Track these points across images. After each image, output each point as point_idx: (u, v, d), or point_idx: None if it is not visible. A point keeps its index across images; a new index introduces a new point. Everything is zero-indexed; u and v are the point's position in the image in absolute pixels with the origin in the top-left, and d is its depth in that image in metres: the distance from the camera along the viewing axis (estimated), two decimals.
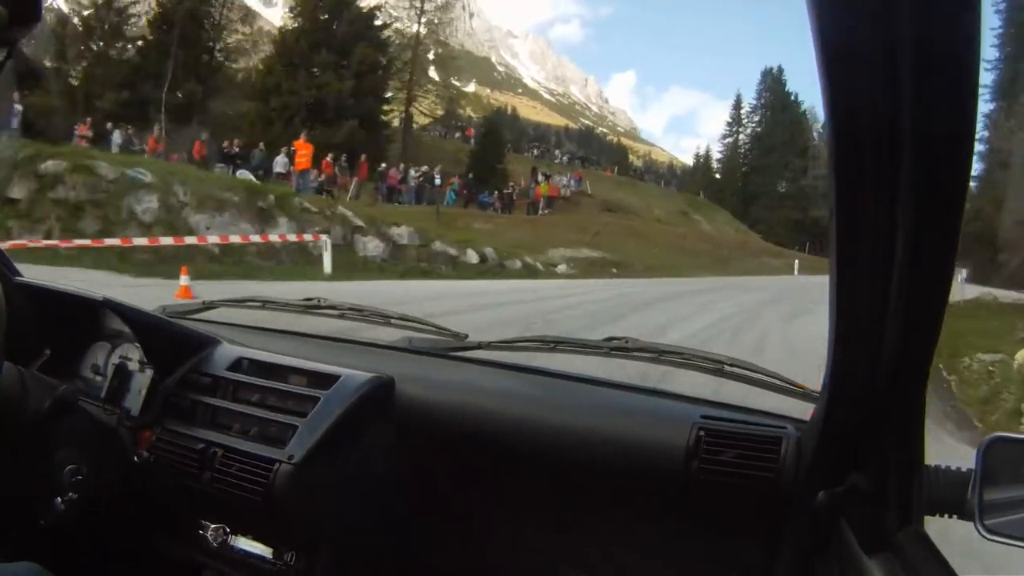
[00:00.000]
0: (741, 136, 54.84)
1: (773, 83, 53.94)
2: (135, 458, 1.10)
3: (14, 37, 0.71)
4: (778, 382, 1.02)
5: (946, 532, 0.70)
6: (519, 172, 28.29)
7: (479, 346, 1.23)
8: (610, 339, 1.16)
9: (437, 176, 21.91)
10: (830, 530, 0.69)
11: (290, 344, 1.32)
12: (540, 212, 24.35)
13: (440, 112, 33.35)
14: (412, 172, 21.19)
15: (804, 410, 0.88)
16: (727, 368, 1.05)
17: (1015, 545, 0.63)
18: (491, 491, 1.10)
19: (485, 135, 31.81)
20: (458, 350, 1.24)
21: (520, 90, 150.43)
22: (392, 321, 1.36)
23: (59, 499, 0.99)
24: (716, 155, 57.27)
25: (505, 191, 24.63)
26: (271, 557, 1.06)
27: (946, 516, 0.69)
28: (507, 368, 1.17)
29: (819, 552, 0.73)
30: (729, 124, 55.76)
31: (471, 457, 1.08)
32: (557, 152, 43.55)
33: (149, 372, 1.17)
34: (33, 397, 0.97)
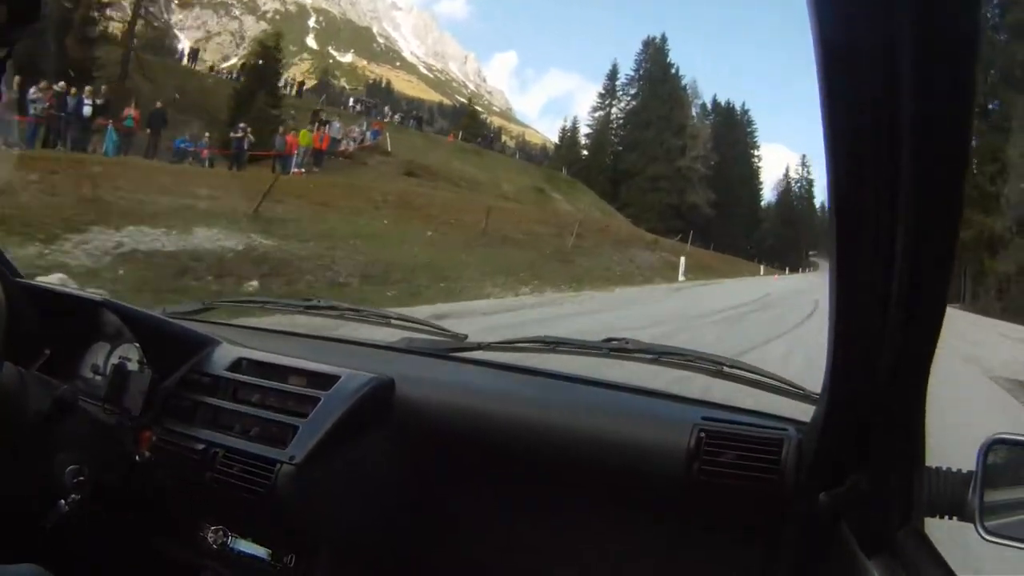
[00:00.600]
0: (615, 110, 48.85)
1: (655, 53, 48.95)
2: (136, 458, 1.10)
3: (14, 37, 0.71)
4: (778, 384, 1.02)
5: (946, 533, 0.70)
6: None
7: (479, 347, 1.23)
8: (609, 340, 1.16)
9: (87, 102, 12.87)
10: (831, 531, 0.70)
11: (290, 345, 1.32)
12: (294, 170, 16.13)
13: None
14: (32, 92, 11.83)
15: (804, 411, 0.88)
16: (727, 369, 1.06)
17: (1015, 547, 0.63)
18: (491, 492, 1.10)
19: (252, 68, 22.77)
20: (458, 351, 1.24)
21: (398, 63, 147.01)
22: (392, 322, 1.36)
23: (63, 501, 0.99)
24: (585, 130, 50.83)
25: (234, 135, 16.00)
26: (270, 559, 1.06)
27: (946, 518, 0.69)
28: (507, 369, 1.17)
29: (820, 553, 0.74)
30: (602, 96, 49.20)
31: (471, 458, 1.08)
32: (387, 109, 37.40)
33: (149, 372, 1.17)
34: (33, 397, 0.97)
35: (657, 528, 0.98)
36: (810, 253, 67.81)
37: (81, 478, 1.00)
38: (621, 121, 49.21)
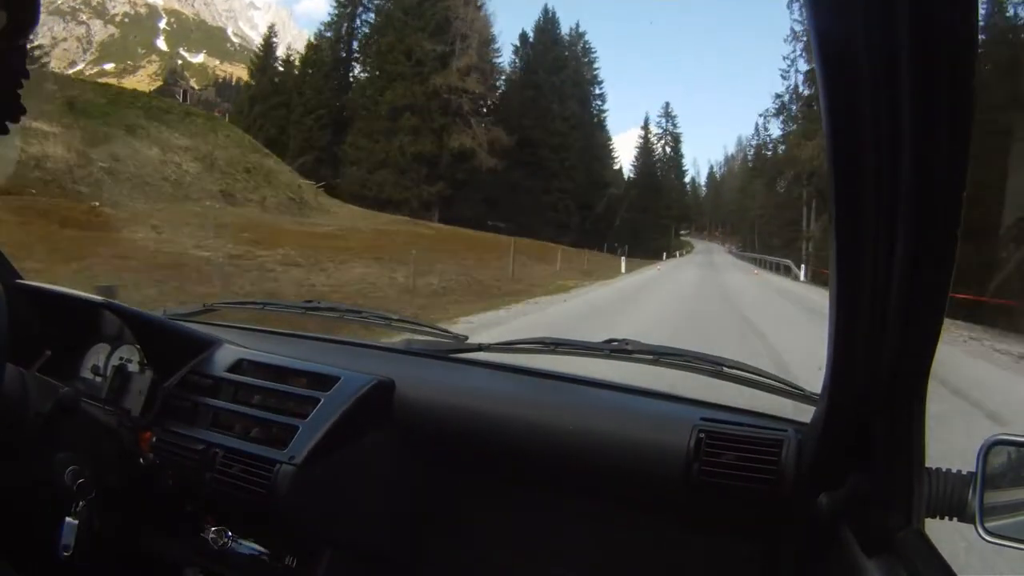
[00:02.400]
0: (360, 22, 31.01)
1: None
2: (140, 460, 1.10)
3: (14, 40, 0.72)
4: (778, 384, 1.02)
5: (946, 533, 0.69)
6: None
7: (479, 348, 1.23)
8: (610, 341, 1.16)
9: None
10: (831, 532, 0.70)
11: (290, 346, 1.32)
12: None
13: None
14: None
15: (804, 412, 0.88)
16: (727, 370, 1.06)
17: (1015, 548, 0.64)
18: (490, 492, 1.10)
19: None
20: (458, 352, 1.24)
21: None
22: (392, 323, 1.37)
23: (70, 519, 0.98)
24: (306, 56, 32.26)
25: None
26: (271, 559, 1.06)
27: (947, 518, 0.69)
28: (507, 370, 1.17)
29: (819, 554, 0.74)
30: (341, 5, 31.17)
31: (471, 459, 1.08)
32: None
33: (149, 373, 1.17)
34: (34, 399, 0.97)
35: (657, 529, 0.98)
36: (681, 232, 53.59)
37: (82, 480, 1.00)
38: (367, 35, 31.04)
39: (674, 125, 51.29)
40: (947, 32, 0.43)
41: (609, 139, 43.88)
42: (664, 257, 34.50)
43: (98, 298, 1.20)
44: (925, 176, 0.48)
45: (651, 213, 42.31)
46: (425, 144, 26.04)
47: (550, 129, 33.18)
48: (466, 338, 1.28)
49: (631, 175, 46.46)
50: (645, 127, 49.77)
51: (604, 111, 41.51)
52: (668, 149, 50.40)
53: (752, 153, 52.00)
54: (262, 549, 1.07)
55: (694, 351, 1.10)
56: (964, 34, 0.43)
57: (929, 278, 0.53)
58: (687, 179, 56.08)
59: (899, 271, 0.53)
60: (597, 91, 40.16)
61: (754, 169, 47.58)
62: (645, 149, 48.59)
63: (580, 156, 34.95)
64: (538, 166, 31.69)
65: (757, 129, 56.16)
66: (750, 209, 45.99)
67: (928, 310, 0.55)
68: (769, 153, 42.07)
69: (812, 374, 0.83)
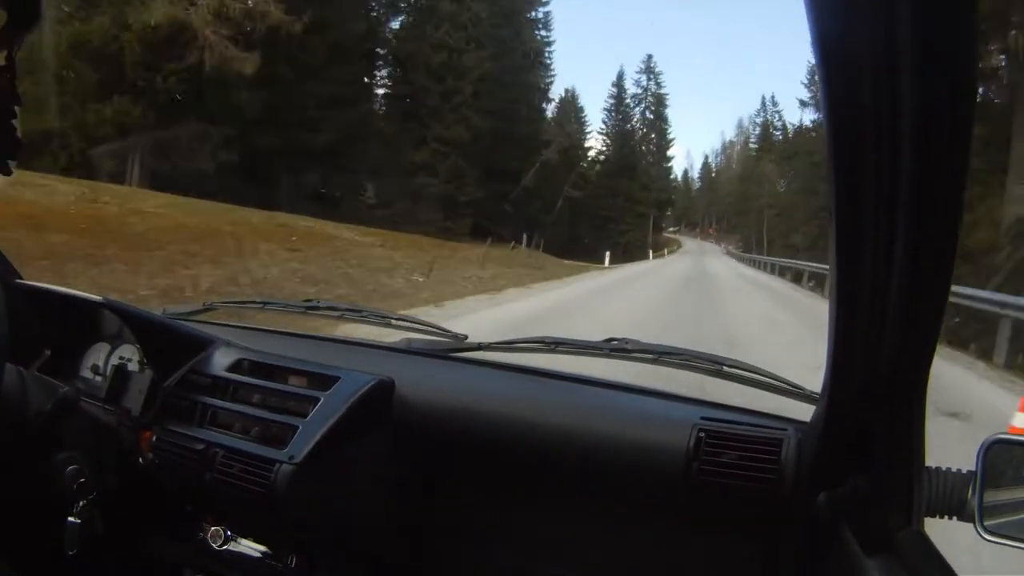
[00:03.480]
0: None
1: None
2: (140, 460, 1.10)
3: (14, 39, 0.71)
4: (778, 383, 1.02)
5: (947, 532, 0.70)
6: None
7: (479, 347, 1.23)
8: (610, 340, 1.16)
9: None
10: (830, 531, 0.70)
11: (290, 345, 1.32)
12: None
13: None
14: None
15: (805, 411, 0.88)
16: (727, 369, 1.06)
17: (1015, 547, 0.64)
18: (491, 492, 1.10)
19: None
20: (458, 351, 1.24)
21: None
22: (392, 322, 1.37)
23: (72, 518, 0.98)
24: None
25: None
26: (271, 559, 1.06)
27: (946, 518, 0.69)
28: (507, 369, 1.17)
29: (819, 553, 0.74)
30: None
31: (470, 458, 1.08)
32: None
33: (149, 373, 1.17)
34: (34, 399, 0.97)
35: (656, 528, 0.98)
36: (669, 229, 43.42)
37: (82, 480, 1.00)
38: None
39: (657, 84, 37.11)
40: (948, 22, 0.43)
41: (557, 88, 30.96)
42: (607, 261, 20.31)
43: (97, 297, 1.20)
44: (926, 168, 0.48)
45: (623, 196, 30.68)
46: (92, 25, 12.59)
47: (432, 41, 19.18)
48: (466, 337, 1.28)
49: (603, 150, 33.70)
50: (619, 84, 35.65)
51: (549, 41, 27.19)
52: (649, 114, 36.66)
53: (758, 133, 44.42)
54: (262, 549, 1.07)
55: (694, 350, 1.10)
56: (966, 23, 0.43)
57: (929, 274, 0.53)
58: (679, 170, 46.26)
59: (899, 267, 0.53)
60: (540, 13, 25.83)
61: (760, 150, 40.95)
62: (618, 111, 34.37)
63: (486, 92, 20.34)
64: (411, 101, 18.46)
65: (764, 103, 46.38)
66: (755, 197, 36.76)
67: (928, 307, 0.55)
68: (779, 133, 35.15)
69: None
